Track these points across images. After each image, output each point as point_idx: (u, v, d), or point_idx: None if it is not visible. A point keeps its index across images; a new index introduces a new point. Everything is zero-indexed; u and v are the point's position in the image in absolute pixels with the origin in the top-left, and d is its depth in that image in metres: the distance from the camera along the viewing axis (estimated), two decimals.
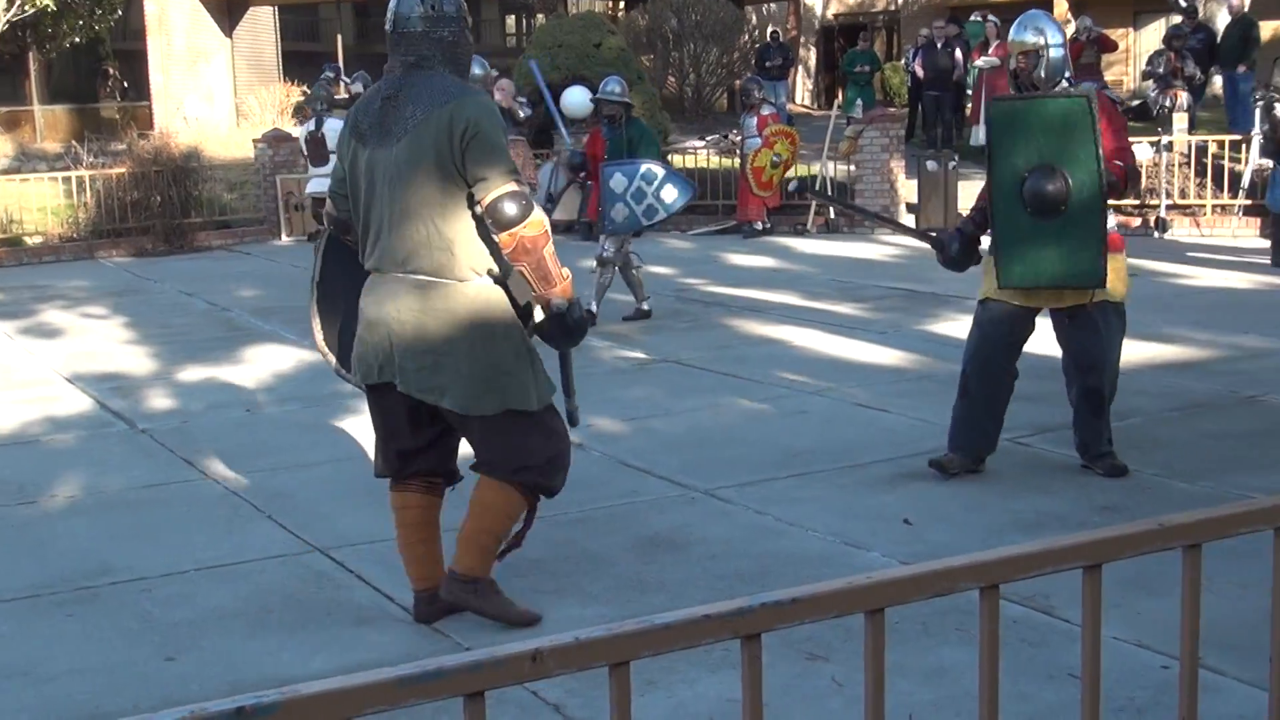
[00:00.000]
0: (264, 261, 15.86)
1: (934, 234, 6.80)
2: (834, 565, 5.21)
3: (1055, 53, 6.15)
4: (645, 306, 10.93)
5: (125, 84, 28.56)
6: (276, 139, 18.58)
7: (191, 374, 9.35)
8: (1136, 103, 18.40)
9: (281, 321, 11.31)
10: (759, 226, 16.69)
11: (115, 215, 17.34)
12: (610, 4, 29.58)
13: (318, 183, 12.67)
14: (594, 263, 10.79)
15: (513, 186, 4.41)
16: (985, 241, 6.32)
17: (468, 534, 4.71)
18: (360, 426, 7.70)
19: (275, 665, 4.50)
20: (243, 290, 13.41)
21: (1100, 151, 5.88)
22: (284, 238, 17.74)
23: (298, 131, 17.51)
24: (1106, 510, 5.77)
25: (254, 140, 19.02)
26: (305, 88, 27.70)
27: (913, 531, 5.62)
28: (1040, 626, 4.55)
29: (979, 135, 20.90)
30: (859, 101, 23.11)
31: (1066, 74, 6.24)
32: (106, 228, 17.29)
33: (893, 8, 37.44)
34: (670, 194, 10.34)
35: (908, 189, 16.81)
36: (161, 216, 17.29)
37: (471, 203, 4.46)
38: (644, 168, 10.34)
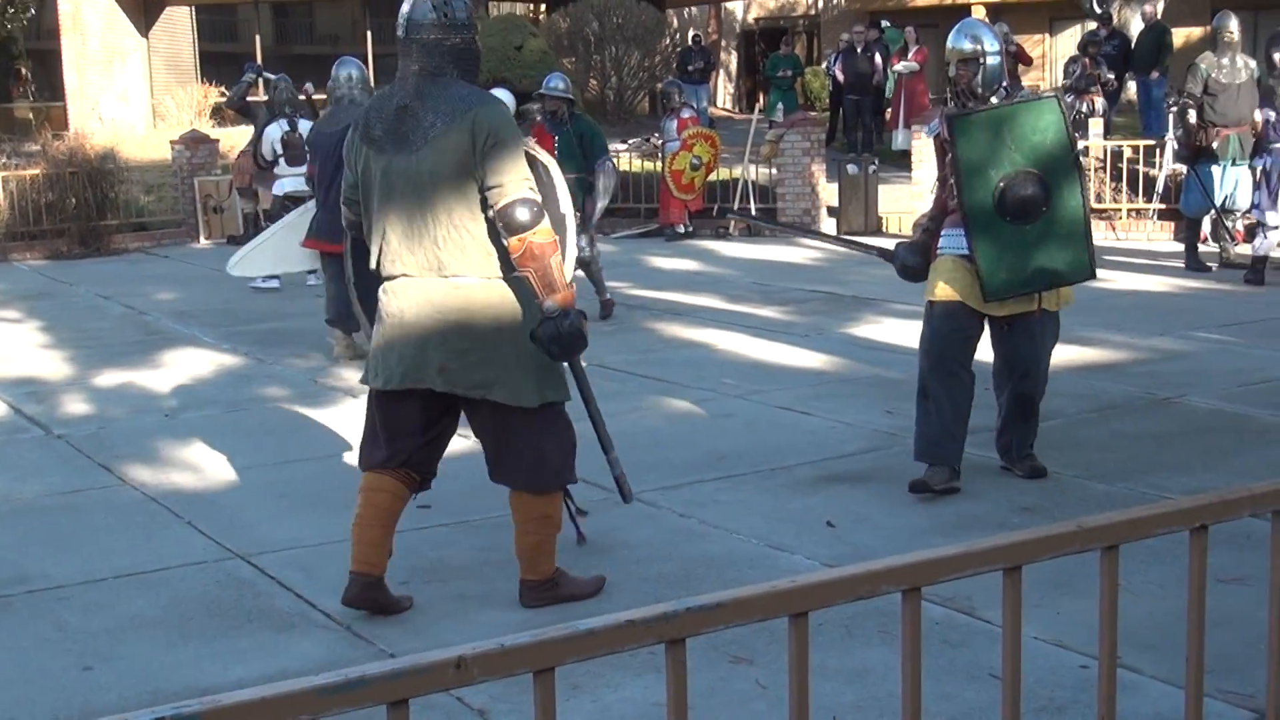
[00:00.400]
0: (182, 264, 15.69)
1: (885, 249, 6.76)
2: (758, 568, 5.23)
3: (992, 60, 6.17)
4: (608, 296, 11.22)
5: (37, 85, 28.14)
6: (194, 140, 18.38)
7: (108, 378, 9.23)
8: None
9: (200, 325, 11.19)
10: (681, 229, 16.72)
11: (29, 217, 17.06)
12: (532, 6, 29.52)
13: (293, 182, 12.64)
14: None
15: (526, 193, 4.56)
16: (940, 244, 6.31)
17: (533, 546, 4.87)
18: (282, 431, 7.65)
19: (196, 674, 4.45)
20: (161, 293, 13.25)
21: (1075, 153, 6.01)
22: (202, 240, 17.55)
23: (231, 132, 17.29)
24: (1026, 511, 5.83)
25: (171, 141, 18.79)
26: (224, 88, 27.45)
27: (836, 534, 5.65)
28: (961, 627, 4.59)
29: (899, 139, 21.12)
30: (780, 106, 23.24)
31: (1004, 82, 6.26)
32: (20, 230, 17.00)
33: (813, 13, 37.68)
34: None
35: (829, 192, 16.90)
36: (77, 219, 17.03)
37: (485, 206, 4.58)
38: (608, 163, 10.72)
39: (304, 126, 13.24)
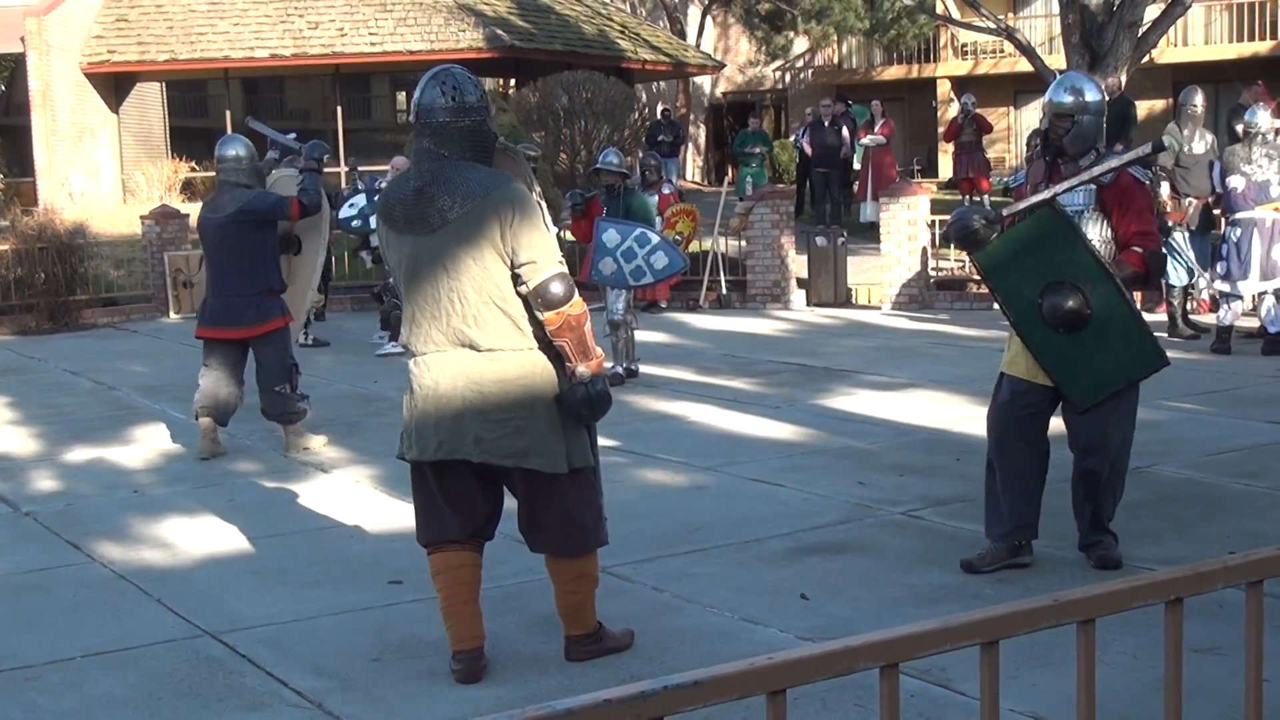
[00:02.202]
0: (151, 339, 15.64)
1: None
2: (732, 642, 5.21)
3: (1088, 119, 5.91)
4: (635, 367, 11.60)
5: (6, 160, 28.12)
6: (164, 215, 18.37)
7: (77, 454, 9.17)
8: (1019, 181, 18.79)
9: (169, 400, 11.14)
10: (663, 305, 16.82)
11: None
12: (501, 81, 29.72)
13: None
14: (606, 326, 11.24)
15: (559, 269, 4.76)
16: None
17: (575, 604, 5.02)
18: (252, 507, 7.60)
19: None
20: (130, 368, 13.21)
21: (1088, 246, 5.68)
22: (172, 315, 17.51)
23: (199, 207, 17.19)
24: (1000, 582, 5.83)
25: (141, 216, 18.78)
26: (194, 164, 27.52)
27: (810, 607, 5.64)
28: (938, 700, 4.58)
29: (867, 212, 21.31)
30: (750, 180, 23.38)
31: (1099, 144, 5.98)
32: None
33: (780, 86, 38.06)
34: (661, 261, 10.73)
35: (799, 264, 17.00)
36: (46, 294, 16.97)
37: (518, 282, 4.74)
38: (639, 230, 10.78)
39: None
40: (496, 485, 5.03)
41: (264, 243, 8.89)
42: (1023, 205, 5.85)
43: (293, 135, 11.02)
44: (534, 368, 4.82)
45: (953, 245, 6.09)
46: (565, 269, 4.79)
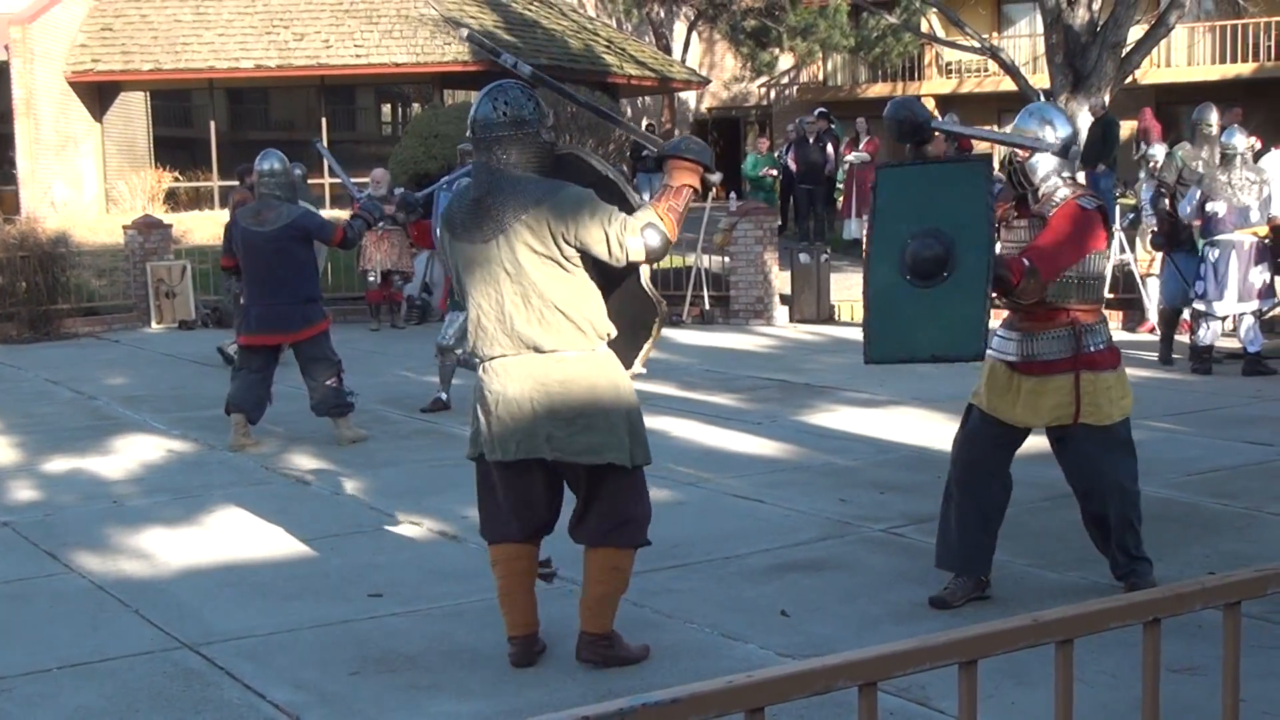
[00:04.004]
0: (133, 349, 15.60)
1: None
2: (712, 658, 5.21)
3: (1048, 151, 5.76)
4: (444, 395, 10.81)
5: None
6: (147, 225, 18.34)
7: (56, 465, 9.14)
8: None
9: (150, 410, 11.11)
10: None
11: None
12: None
13: None
14: (435, 350, 10.83)
15: (634, 238, 4.86)
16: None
17: (601, 598, 5.12)
18: (231, 518, 7.58)
19: None
20: (111, 378, 13.17)
21: (991, 224, 5.44)
22: (154, 325, 17.47)
23: (183, 217, 17.18)
24: (979, 601, 5.83)
25: (124, 226, 18.75)
26: (177, 174, 27.48)
27: (790, 623, 5.64)
28: (917, 718, 4.58)
29: (851, 228, 21.33)
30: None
31: (1063, 173, 5.80)
32: None
33: (765, 103, 38.15)
34: None
35: (782, 280, 17.03)
36: (27, 303, 16.92)
37: (620, 269, 4.97)
38: None
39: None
40: (560, 485, 5.22)
41: (309, 256, 9.65)
42: (967, 131, 5.73)
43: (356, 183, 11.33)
44: (598, 367, 5.00)
45: (886, 122, 5.72)
46: (634, 228, 4.86)
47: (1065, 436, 5.78)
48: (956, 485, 5.87)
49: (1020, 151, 5.83)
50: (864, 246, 5.76)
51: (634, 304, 5.19)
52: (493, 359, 5.04)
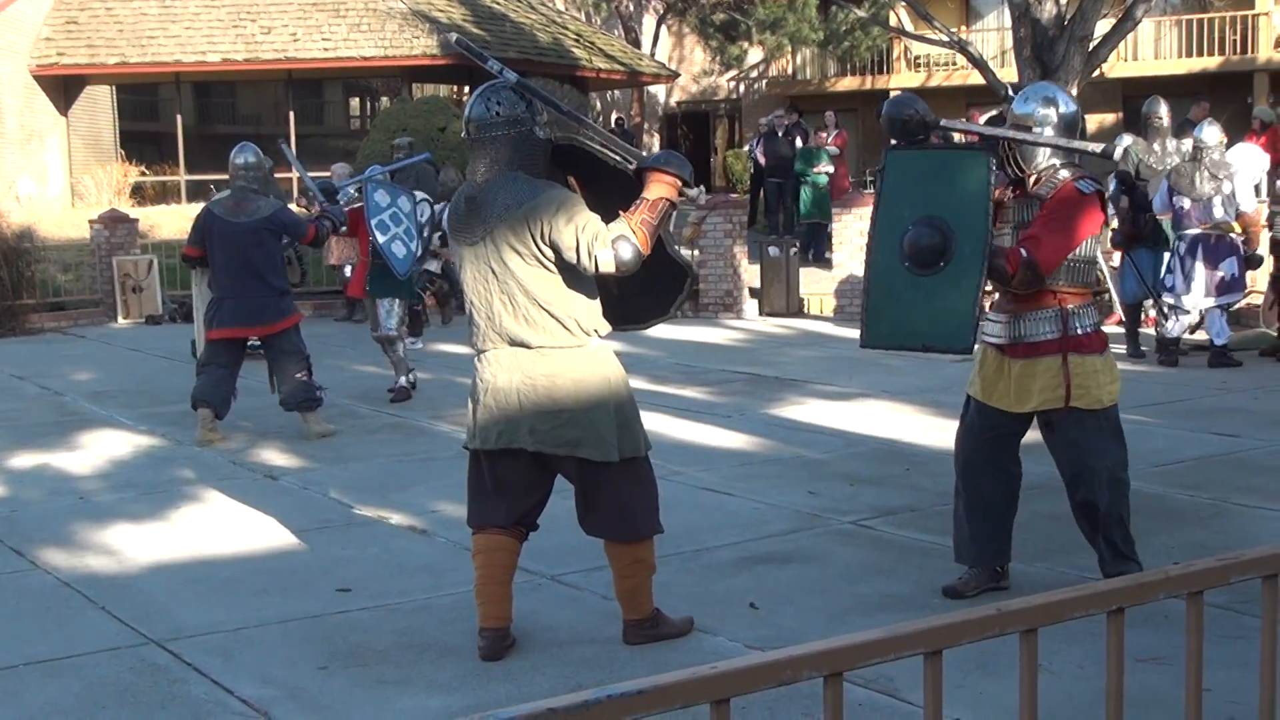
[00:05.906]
0: (99, 345, 15.52)
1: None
2: (680, 651, 5.21)
3: (1049, 132, 5.68)
4: (407, 380, 11.07)
5: None
6: (113, 219, 18.24)
7: (22, 460, 9.08)
8: None
9: (117, 406, 11.05)
10: None
11: None
12: (454, 89, 29.68)
13: None
14: (379, 346, 11.11)
15: (606, 249, 4.88)
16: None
17: (631, 589, 5.24)
18: (198, 514, 7.54)
19: None
20: (77, 374, 13.09)
21: (989, 215, 5.38)
22: (120, 320, 17.38)
23: (150, 211, 17.10)
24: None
25: (90, 221, 18.64)
26: (143, 168, 27.34)
27: (759, 616, 5.64)
28: (884, 709, 4.59)
29: None
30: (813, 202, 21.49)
31: (1056, 161, 5.68)
32: None
33: (734, 96, 38.18)
34: (400, 250, 10.49)
35: (751, 274, 17.05)
36: None
37: (580, 270, 4.97)
38: (404, 196, 10.65)
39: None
40: (548, 476, 5.28)
41: (280, 250, 9.73)
42: (969, 126, 5.76)
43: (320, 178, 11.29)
44: (584, 363, 5.08)
45: (883, 121, 5.69)
46: (607, 240, 4.88)
47: (1055, 421, 5.74)
48: (960, 478, 5.91)
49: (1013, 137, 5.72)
50: (871, 224, 5.68)
51: (665, 265, 5.31)
52: (485, 351, 5.17)
